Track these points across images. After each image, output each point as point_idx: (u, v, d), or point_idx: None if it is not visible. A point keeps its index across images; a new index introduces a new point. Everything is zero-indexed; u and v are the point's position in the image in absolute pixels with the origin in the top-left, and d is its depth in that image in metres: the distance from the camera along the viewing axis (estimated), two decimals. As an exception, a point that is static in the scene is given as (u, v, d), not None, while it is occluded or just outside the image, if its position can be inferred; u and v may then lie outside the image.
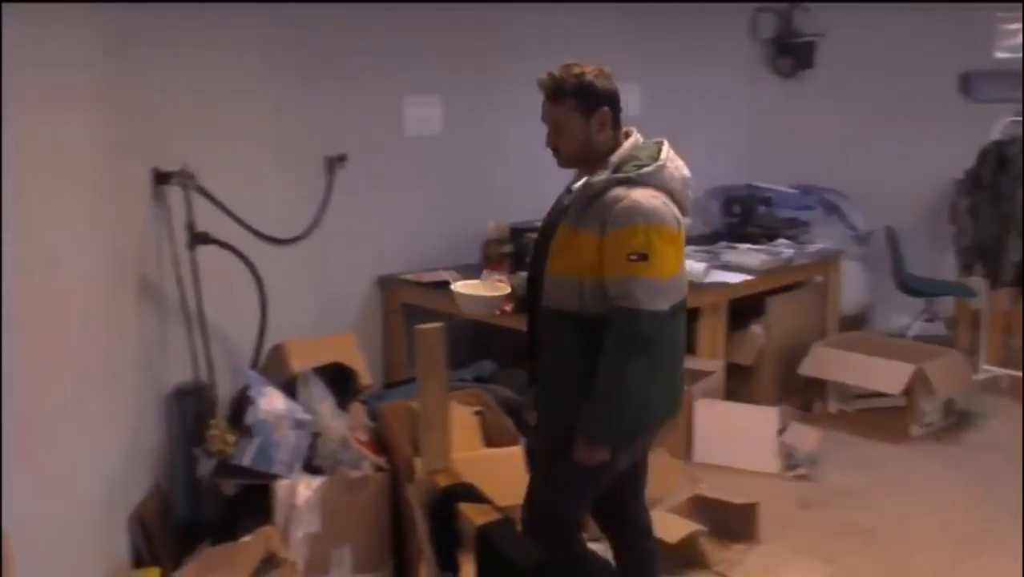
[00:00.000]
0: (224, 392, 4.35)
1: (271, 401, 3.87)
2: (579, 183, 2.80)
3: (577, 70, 2.76)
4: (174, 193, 4.18)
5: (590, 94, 2.75)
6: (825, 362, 5.52)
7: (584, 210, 2.70)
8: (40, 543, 3.00)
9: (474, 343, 5.36)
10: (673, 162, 2.79)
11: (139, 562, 3.61)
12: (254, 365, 4.41)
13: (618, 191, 2.66)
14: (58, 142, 3.22)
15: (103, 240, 3.69)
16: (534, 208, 5.58)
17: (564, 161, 2.85)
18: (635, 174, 2.68)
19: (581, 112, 2.75)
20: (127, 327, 3.92)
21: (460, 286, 3.03)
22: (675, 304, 2.78)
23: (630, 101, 6.08)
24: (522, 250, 4.99)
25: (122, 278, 3.87)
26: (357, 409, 4.36)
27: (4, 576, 2.36)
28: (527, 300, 2.95)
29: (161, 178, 4.13)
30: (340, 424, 3.92)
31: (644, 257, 2.60)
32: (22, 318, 2.99)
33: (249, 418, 3.80)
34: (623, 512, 3.10)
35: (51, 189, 3.16)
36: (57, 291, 3.23)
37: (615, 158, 2.75)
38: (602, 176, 2.71)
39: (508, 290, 3.00)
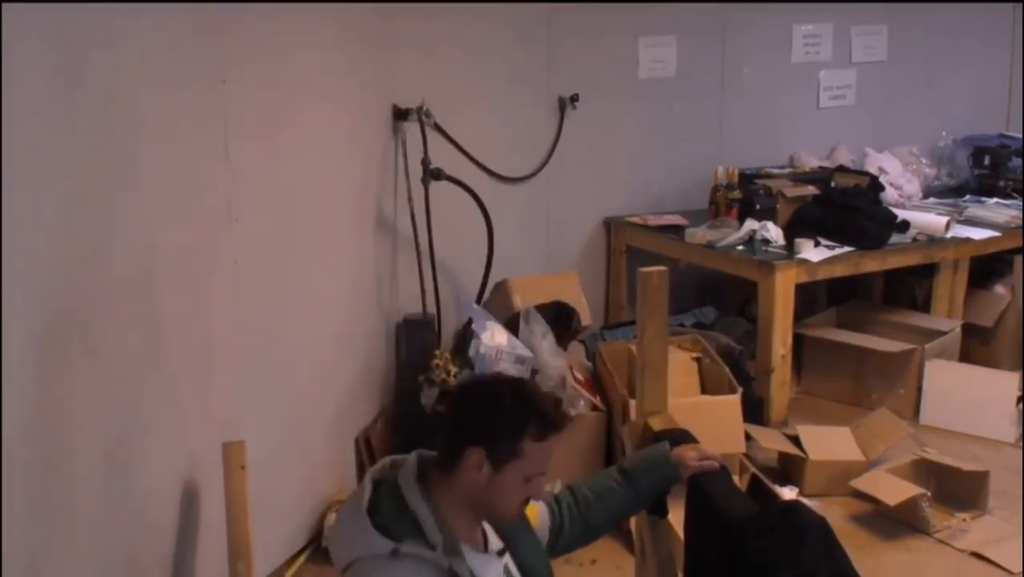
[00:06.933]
0: (449, 325, 4.50)
1: (493, 336, 3.99)
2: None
3: None
4: (411, 130, 4.32)
5: None
6: (1076, 328, 5.16)
7: None
8: (275, 455, 3.23)
9: (698, 289, 5.30)
10: None
11: (364, 480, 3.81)
12: (479, 300, 4.53)
13: None
14: (320, 86, 3.44)
15: (350, 172, 3.91)
16: (766, 156, 5.48)
17: None
18: None
19: None
20: (364, 256, 4.11)
21: None
22: None
23: (876, 44, 5.93)
24: (751, 197, 4.88)
25: (363, 209, 4.07)
26: (576, 348, 4.42)
27: (243, 476, 2.60)
28: None
29: (400, 114, 4.27)
30: (559, 362, 3.99)
31: None
32: (275, 239, 3.22)
33: (471, 351, 3.95)
34: None
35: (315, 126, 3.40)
36: (307, 215, 3.45)
37: None
38: None
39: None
